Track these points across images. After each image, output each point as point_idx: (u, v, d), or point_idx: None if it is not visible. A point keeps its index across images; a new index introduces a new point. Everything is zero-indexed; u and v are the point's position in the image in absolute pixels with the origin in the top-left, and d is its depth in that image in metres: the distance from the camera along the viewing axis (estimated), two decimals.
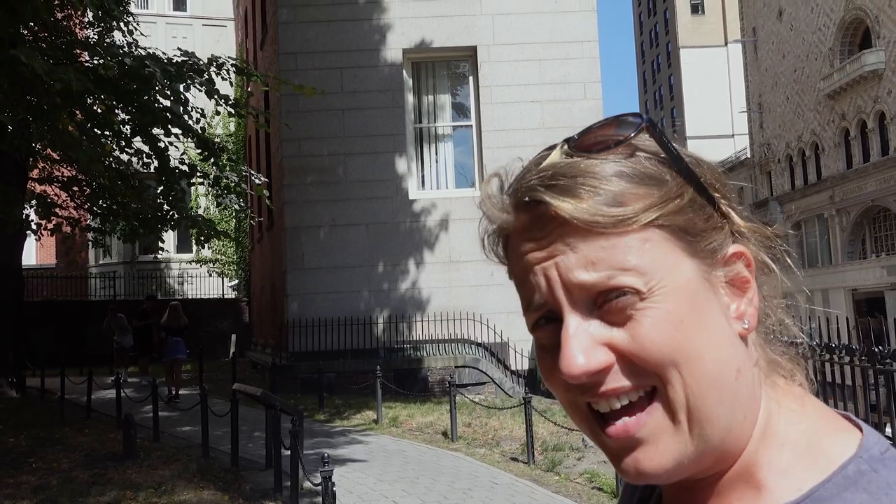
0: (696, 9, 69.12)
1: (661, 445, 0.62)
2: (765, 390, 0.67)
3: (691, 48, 68.11)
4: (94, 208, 13.38)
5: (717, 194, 0.67)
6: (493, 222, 0.69)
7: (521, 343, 14.30)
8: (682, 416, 0.62)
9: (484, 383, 13.59)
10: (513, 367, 14.33)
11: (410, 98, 15.49)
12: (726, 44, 66.57)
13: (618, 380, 0.63)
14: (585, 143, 0.66)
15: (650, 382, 0.63)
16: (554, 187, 0.64)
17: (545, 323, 0.66)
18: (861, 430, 0.66)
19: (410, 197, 14.98)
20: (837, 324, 7.33)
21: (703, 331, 0.63)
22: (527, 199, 0.65)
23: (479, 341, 14.38)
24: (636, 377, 0.63)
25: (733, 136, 62.89)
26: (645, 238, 0.63)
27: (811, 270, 34.95)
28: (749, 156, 47.15)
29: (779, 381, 0.69)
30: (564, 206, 0.63)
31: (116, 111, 10.72)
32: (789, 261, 0.71)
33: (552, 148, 0.68)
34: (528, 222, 0.66)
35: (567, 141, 0.67)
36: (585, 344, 0.63)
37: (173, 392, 14.58)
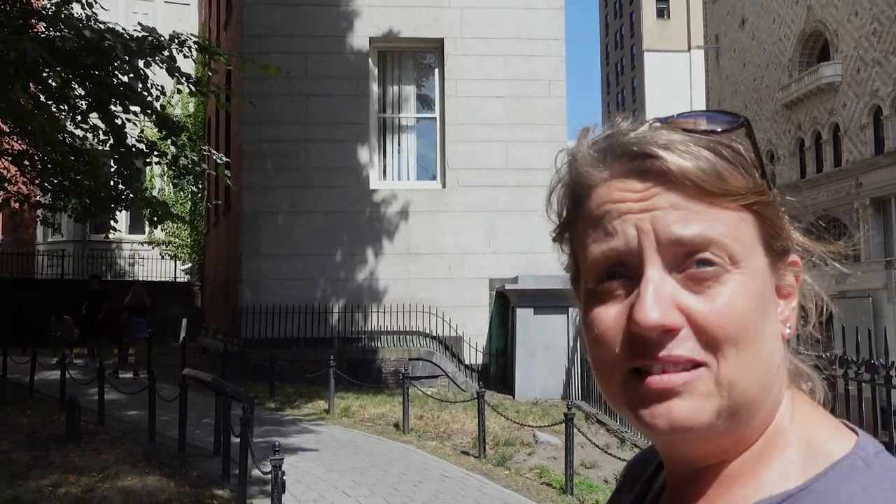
0: (662, 13, 69.99)
1: (695, 403, 0.64)
2: (786, 392, 0.71)
3: (655, 52, 68.92)
4: (45, 184, 12.96)
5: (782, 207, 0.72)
6: (576, 173, 0.70)
7: (475, 337, 14.31)
8: (724, 390, 0.64)
9: (437, 376, 13.58)
10: (466, 361, 14.34)
11: (375, 87, 15.36)
12: (689, 49, 67.52)
13: (681, 347, 0.64)
14: (681, 123, 0.68)
15: (705, 359, 0.63)
16: (666, 147, 0.66)
17: (613, 277, 0.67)
18: (857, 433, 0.70)
19: (371, 187, 14.86)
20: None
21: (765, 319, 0.66)
22: (635, 148, 0.67)
23: (434, 334, 14.36)
24: (696, 350, 0.63)
25: None
26: (741, 217, 0.66)
27: None
28: None
29: (798, 386, 0.74)
30: (681, 163, 0.65)
31: (73, 85, 10.40)
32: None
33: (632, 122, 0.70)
34: (626, 173, 0.67)
35: (659, 119, 0.70)
36: (664, 299, 0.64)
37: (134, 373, 14.52)
